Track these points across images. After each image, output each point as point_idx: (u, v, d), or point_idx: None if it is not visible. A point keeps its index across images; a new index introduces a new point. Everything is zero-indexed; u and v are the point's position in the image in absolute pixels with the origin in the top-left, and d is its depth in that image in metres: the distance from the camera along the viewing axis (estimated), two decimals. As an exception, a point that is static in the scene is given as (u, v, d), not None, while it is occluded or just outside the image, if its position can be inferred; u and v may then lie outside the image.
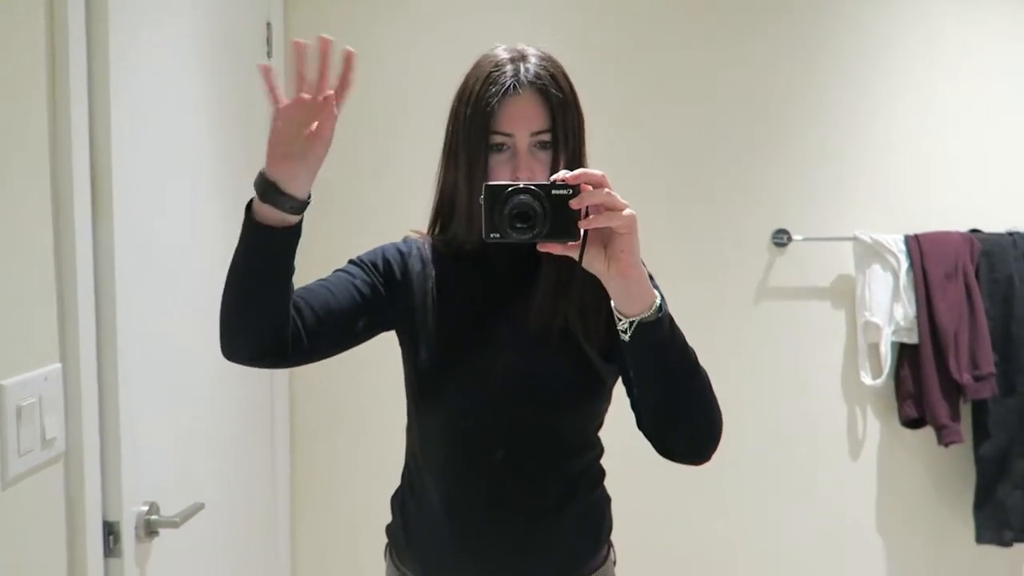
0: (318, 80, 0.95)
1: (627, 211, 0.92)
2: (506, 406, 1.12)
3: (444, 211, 1.16)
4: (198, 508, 1.51)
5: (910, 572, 2.21)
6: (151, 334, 1.45)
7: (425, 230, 1.21)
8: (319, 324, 1.08)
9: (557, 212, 0.92)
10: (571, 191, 0.92)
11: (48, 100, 1.19)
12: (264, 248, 1.00)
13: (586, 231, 0.93)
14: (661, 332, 0.97)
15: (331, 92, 0.96)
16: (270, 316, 1.03)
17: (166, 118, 1.52)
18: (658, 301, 0.97)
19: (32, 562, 1.17)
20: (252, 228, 1.00)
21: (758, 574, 2.20)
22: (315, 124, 0.96)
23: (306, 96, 0.95)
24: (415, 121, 2.09)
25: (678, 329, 1.00)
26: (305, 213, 1.01)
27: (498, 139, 1.07)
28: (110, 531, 1.33)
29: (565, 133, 1.08)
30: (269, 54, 2.02)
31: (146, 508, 1.41)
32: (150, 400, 1.44)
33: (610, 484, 1.22)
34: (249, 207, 1.01)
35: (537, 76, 1.07)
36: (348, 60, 0.97)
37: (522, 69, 1.07)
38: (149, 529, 1.41)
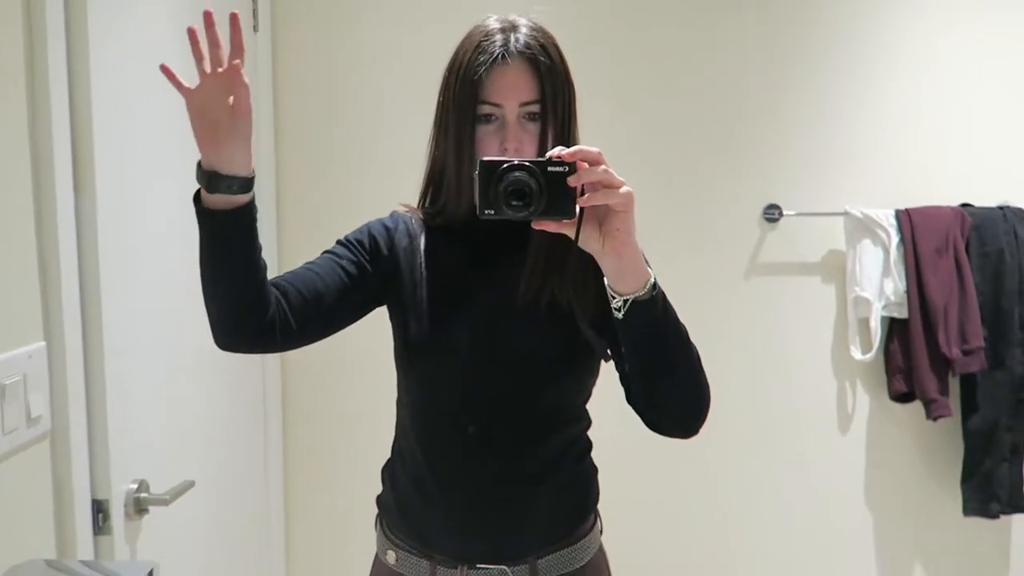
0: (214, 52, 0.94)
1: (624, 189, 0.91)
2: (483, 380, 1.13)
3: (434, 183, 1.16)
4: (188, 486, 1.51)
5: (898, 545, 2.23)
6: (138, 311, 1.44)
7: (415, 204, 1.20)
8: (306, 306, 1.08)
9: (553, 189, 0.91)
10: (567, 168, 0.91)
11: (27, 75, 1.17)
12: (224, 234, 1.00)
13: (582, 209, 0.92)
14: (655, 310, 0.97)
15: (236, 62, 0.93)
16: (249, 297, 1.02)
17: (149, 92, 1.50)
18: (652, 279, 0.97)
19: (20, 540, 1.17)
20: (207, 218, 1.00)
21: (746, 547, 2.22)
22: (231, 98, 0.94)
23: (207, 70, 0.94)
24: (407, 97, 2.07)
25: (671, 306, 1.00)
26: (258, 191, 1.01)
27: (486, 109, 1.06)
28: (99, 509, 1.33)
29: (554, 104, 1.07)
30: (256, 27, 1.99)
31: (135, 486, 1.41)
32: (139, 377, 1.44)
33: (597, 454, 1.23)
34: (198, 198, 1.01)
35: (527, 46, 1.06)
36: (234, 23, 0.94)
37: (512, 39, 1.06)
38: (139, 507, 1.41)
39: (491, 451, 1.13)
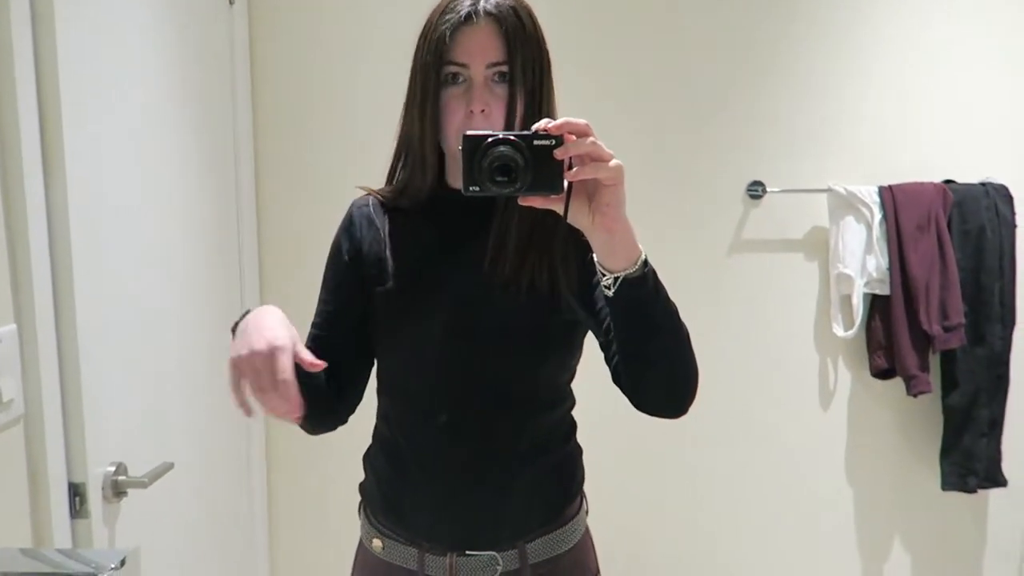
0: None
1: (614, 162, 0.88)
2: (457, 367, 1.10)
3: (402, 155, 1.12)
4: (167, 468, 1.50)
5: (877, 518, 2.26)
6: (113, 290, 1.41)
7: (382, 184, 1.17)
8: (352, 379, 1.16)
9: (539, 164, 0.88)
10: (554, 141, 0.87)
11: (-10, 47, 1.13)
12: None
13: (570, 183, 0.89)
14: (645, 288, 0.94)
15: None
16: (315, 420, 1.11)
17: (118, 69, 1.46)
18: (643, 256, 0.94)
19: (-6, 525, 1.15)
20: None
21: (728, 521, 2.24)
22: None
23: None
24: (385, 72, 2.03)
25: (662, 284, 0.98)
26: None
27: (452, 69, 1.03)
28: (76, 492, 1.31)
29: (523, 66, 1.04)
30: (231, 1, 1.94)
31: (113, 469, 1.39)
32: (116, 358, 1.41)
33: (581, 434, 1.22)
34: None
35: (497, 6, 1.03)
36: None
37: (482, 1, 1.03)
38: (117, 490, 1.39)
39: (468, 438, 1.11)
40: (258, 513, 2.10)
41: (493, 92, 1.03)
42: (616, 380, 1.05)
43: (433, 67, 1.03)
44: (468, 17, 1.02)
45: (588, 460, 1.23)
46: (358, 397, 1.18)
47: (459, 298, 1.09)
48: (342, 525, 1.36)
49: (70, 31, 1.26)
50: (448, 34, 1.02)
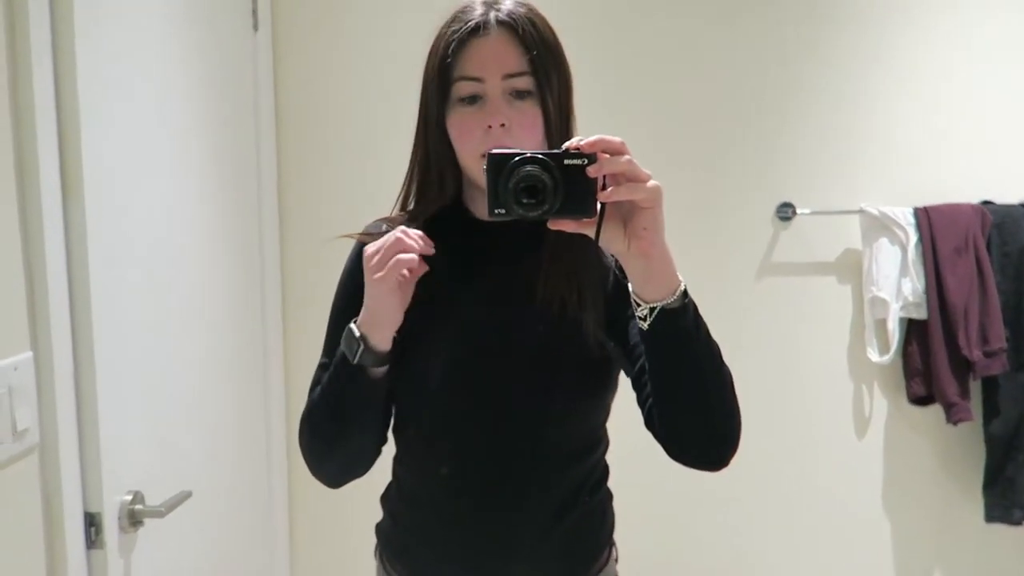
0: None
1: (651, 183, 0.81)
2: (457, 408, 1.02)
3: (414, 180, 1.05)
4: (185, 496, 1.47)
5: (918, 552, 2.17)
6: (131, 317, 1.39)
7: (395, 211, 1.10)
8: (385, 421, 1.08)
9: (570, 185, 0.81)
10: (586, 160, 0.81)
11: (10, 74, 1.12)
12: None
13: (603, 205, 0.82)
14: (684, 321, 0.87)
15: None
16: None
17: (140, 89, 1.46)
18: (682, 286, 0.87)
19: (9, 557, 1.13)
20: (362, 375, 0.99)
21: (762, 552, 2.17)
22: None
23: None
24: (408, 93, 2.02)
25: (702, 320, 0.90)
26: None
27: (466, 87, 0.95)
28: (91, 522, 1.29)
29: (548, 77, 0.95)
30: (256, 26, 1.95)
31: (130, 497, 1.37)
32: (132, 386, 1.39)
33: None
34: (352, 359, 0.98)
35: (510, 15, 0.95)
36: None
37: (492, 10, 0.96)
38: (133, 519, 1.37)
39: (477, 494, 1.03)
40: (279, 544, 2.07)
41: (512, 106, 0.95)
42: (649, 425, 0.97)
43: (443, 84, 0.96)
44: (477, 28, 0.95)
45: (617, 500, 1.16)
46: (384, 439, 1.10)
47: (472, 334, 1.01)
48: (363, 556, 1.32)
49: (92, 57, 1.26)
50: (456, 47, 0.95)
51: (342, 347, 0.98)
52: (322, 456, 1.06)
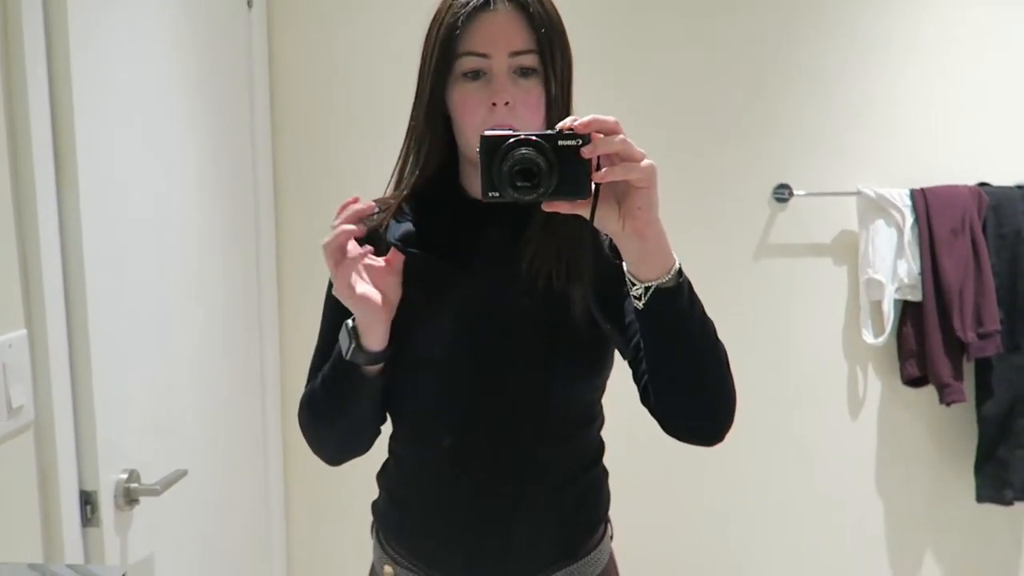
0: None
1: (645, 162, 0.80)
2: (461, 382, 1.01)
3: (410, 156, 1.04)
4: (181, 475, 1.47)
5: (910, 532, 2.19)
6: (126, 295, 1.39)
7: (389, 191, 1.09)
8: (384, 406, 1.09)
9: (565, 166, 0.81)
10: (580, 141, 0.80)
11: (2, 51, 1.11)
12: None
13: (598, 186, 0.81)
14: (679, 300, 0.86)
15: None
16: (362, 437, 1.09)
17: (133, 66, 1.44)
18: (677, 265, 0.86)
19: (5, 535, 1.13)
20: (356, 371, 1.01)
21: (756, 535, 2.18)
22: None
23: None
24: (405, 73, 2.00)
25: (697, 298, 0.90)
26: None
27: (471, 63, 0.94)
28: (87, 500, 1.29)
29: (553, 57, 0.94)
30: (250, 3, 1.93)
31: (125, 476, 1.37)
32: (127, 363, 1.39)
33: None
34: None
35: None
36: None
37: None
38: (129, 497, 1.37)
39: (478, 467, 1.03)
40: (275, 522, 2.07)
41: (517, 84, 0.94)
42: (645, 401, 0.97)
43: (444, 58, 0.95)
44: (487, 3, 0.94)
45: (612, 478, 1.16)
46: (384, 420, 1.11)
47: (468, 308, 1.00)
48: (360, 535, 1.32)
49: (84, 33, 1.25)
50: (463, 21, 0.93)
51: (339, 341, 0.99)
52: (321, 440, 1.09)
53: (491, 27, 0.94)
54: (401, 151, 1.06)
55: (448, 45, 0.95)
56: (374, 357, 0.98)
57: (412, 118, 1.03)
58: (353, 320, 0.97)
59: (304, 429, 1.09)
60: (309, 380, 1.08)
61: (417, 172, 1.03)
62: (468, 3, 0.94)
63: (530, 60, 0.95)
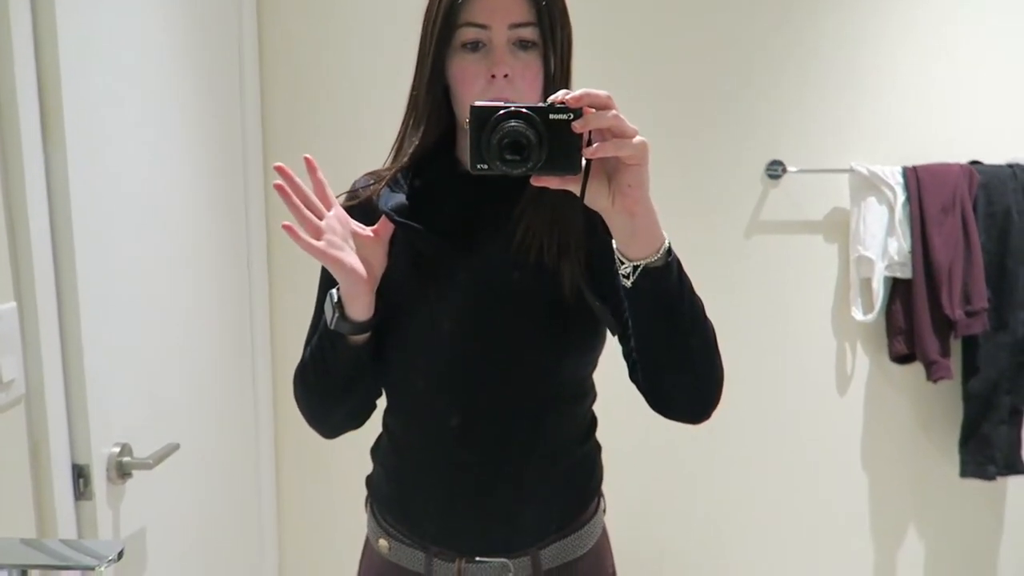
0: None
1: (637, 139, 0.79)
2: (467, 367, 1.02)
3: (409, 128, 1.04)
4: (173, 449, 1.47)
5: (894, 505, 2.22)
6: (116, 269, 1.38)
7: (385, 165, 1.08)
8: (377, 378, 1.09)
9: (555, 140, 0.79)
10: (572, 115, 0.79)
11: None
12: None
13: (589, 162, 0.81)
14: (668, 279, 0.86)
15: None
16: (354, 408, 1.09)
17: (120, 36, 1.42)
18: (666, 243, 0.86)
19: (-4, 508, 1.13)
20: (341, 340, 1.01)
21: (744, 509, 2.21)
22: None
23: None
24: (399, 51, 1.98)
25: (686, 277, 0.90)
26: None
27: (470, 33, 0.94)
28: (80, 474, 1.29)
29: (552, 30, 0.95)
30: (238, -30, 1.89)
31: (117, 449, 1.37)
32: (119, 336, 1.38)
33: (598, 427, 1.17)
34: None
35: None
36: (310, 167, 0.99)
37: None
38: (121, 471, 1.37)
39: (480, 441, 1.04)
40: (266, 495, 2.08)
41: (517, 57, 0.94)
42: (633, 379, 0.98)
43: (445, 28, 0.94)
44: None
45: (605, 453, 1.17)
46: (379, 394, 1.11)
47: (468, 287, 1.01)
48: (352, 507, 1.33)
49: (72, 17, 1.22)
50: None
51: (324, 311, 0.99)
52: (313, 411, 1.09)
53: None
54: (402, 122, 1.05)
55: (449, 15, 0.94)
56: (359, 327, 0.97)
57: (412, 88, 1.03)
58: (338, 290, 0.97)
59: (298, 402, 1.10)
60: (304, 350, 1.08)
61: (416, 142, 1.02)
62: None
63: (530, 33, 0.94)
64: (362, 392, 1.07)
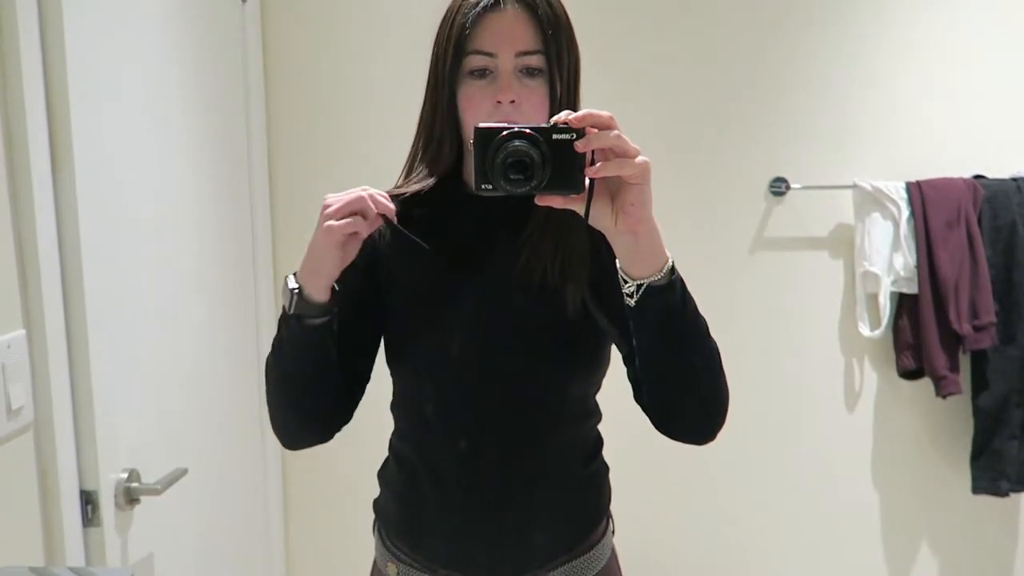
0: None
1: (639, 158, 0.81)
2: (474, 389, 1.02)
3: (419, 152, 1.05)
4: (181, 474, 1.47)
5: (905, 523, 2.20)
6: (124, 294, 1.38)
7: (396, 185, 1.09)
8: (357, 380, 1.07)
9: (558, 160, 0.81)
10: (575, 135, 0.80)
11: (-3, 46, 1.10)
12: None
13: (592, 181, 0.81)
14: (671, 298, 0.87)
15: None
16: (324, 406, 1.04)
17: (127, 62, 1.43)
18: (670, 262, 0.86)
19: (6, 535, 1.12)
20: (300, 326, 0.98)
21: (754, 528, 2.19)
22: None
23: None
24: (402, 68, 2.00)
25: (690, 296, 0.90)
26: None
27: (478, 61, 0.95)
28: (88, 500, 1.29)
29: (559, 58, 0.96)
30: (243, -2, 1.92)
31: (126, 475, 1.37)
32: (126, 363, 1.39)
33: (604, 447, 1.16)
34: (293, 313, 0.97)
35: None
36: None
37: None
38: (129, 497, 1.37)
39: (488, 463, 1.04)
40: (274, 520, 2.07)
41: (523, 84, 0.96)
42: (638, 399, 0.98)
43: (455, 56, 0.96)
44: (496, 3, 0.95)
45: (612, 474, 1.17)
46: (352, 410, 1.08)
47: (474, 311, 1.01)
48: (363, 533, 1.33)
49: (79, 29, 1.24)
50: (472, 20, 0.95)
51: (282, 299, 0.97)
52: (275, 408, 1.06)
53: (499, 27, 0.95)
54: (413, 144, 1.07)
55: (458, 43, 0.96)
56: (320, 308, 0.95)
57: (422, 114, 1.04)
58: (295, 275, 0.95)
59: (267, 401, 1.07)
60: None
61: (425, 169, 1.04)
62: (478, 3, 0.96)
63: (536, 60, 0.96)
64: (320, 391, 1.02)
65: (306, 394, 1.03)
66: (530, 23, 0.95)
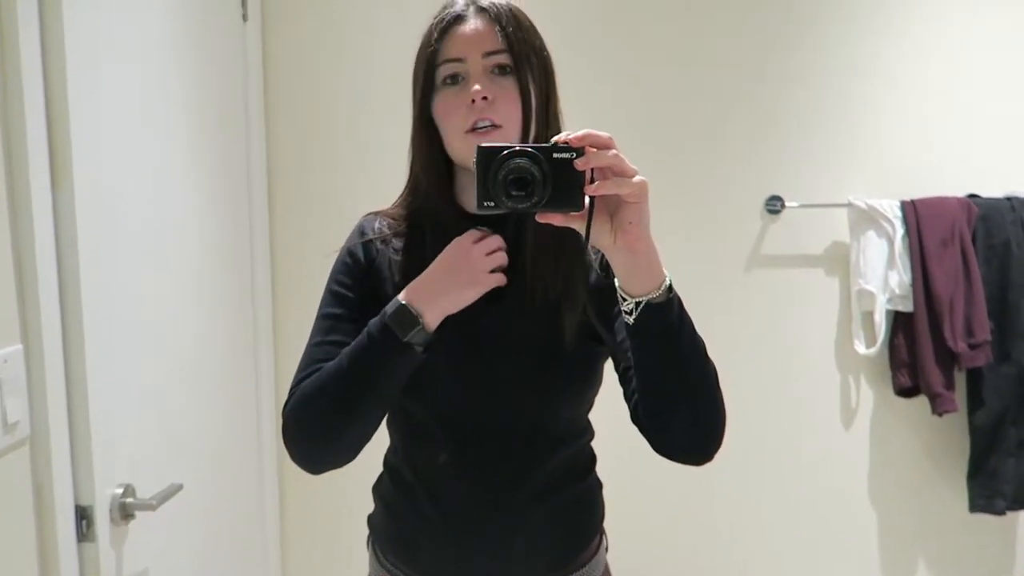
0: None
1: (637, 178, 0.83)
2: (465, 402, 1.03)
3: (413, 174, 1.08)
4: (176, 489, 1.47)
5: (902, 542, 2.20)
6: (122, 309, 1.39)
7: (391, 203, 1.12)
8: None
9: (558, 177, 0.83)
10: (575, 154, 0.83)
11: (-1, 63, 1.11)
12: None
13: (592, 199, 0.83)
14: (669, 316, 0.88)
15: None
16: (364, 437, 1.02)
17: (128, 78, 1.45)
18: (667, 280, 0.88)
19: (0, 550, 1.12)
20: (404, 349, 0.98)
21: (749, 545, 2.19)
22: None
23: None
24: (400, 85, 2.01)
25: (687, 315, 0.91)
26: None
27: (449, 68, 0.99)
28: (83, 515, 1.29)
29: (527, 56, 0.99)
30: (245, 17, 1.94)
31: (121, 490, 1.36)
32: (124, 378, 1.39)
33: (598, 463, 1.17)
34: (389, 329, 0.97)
35: (490, 4, 1.00)
36: None
37: (474, 3, 1.01)
38: (125, 512, 1.37)
39: (474, 477, 1.04)
40: (270, 536, 2.07)
41: (494, 82, 0.98)
42: (635, 419, 0.99)
43: (427, 71, 1.00)
44: (459, 17, 1.00)
45: (606, 490, 1.17)
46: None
47: (467, 330, 1.01)
48: (360, 547, 1.33)
49: (81, 44, 1.25)
50: (439, 36, 0.99)
51: (387, 323, 0.95)
52: (327, 431, 1.01)
53: (464, 34, 0.99)
54: (409, 167, 1.09)
55: (429, 59, 1.00)
56: (427, 337, 0.96)
57: (411, 137, 1.07)
58: (410, 303, 0.95)
59: (302, 428, 1.01)
60: (309, 375, 1.01)
61: (415, 187, 1.06)
62: (443, 19, 1.00)
63: (504, 58, 0.99)
64: (381, 414, 1.03)
65: (373, 418, 1.01)
66: (493, 26, 0.99)
